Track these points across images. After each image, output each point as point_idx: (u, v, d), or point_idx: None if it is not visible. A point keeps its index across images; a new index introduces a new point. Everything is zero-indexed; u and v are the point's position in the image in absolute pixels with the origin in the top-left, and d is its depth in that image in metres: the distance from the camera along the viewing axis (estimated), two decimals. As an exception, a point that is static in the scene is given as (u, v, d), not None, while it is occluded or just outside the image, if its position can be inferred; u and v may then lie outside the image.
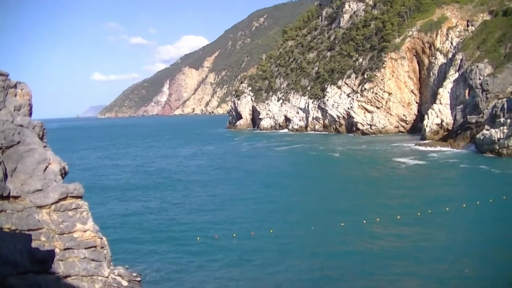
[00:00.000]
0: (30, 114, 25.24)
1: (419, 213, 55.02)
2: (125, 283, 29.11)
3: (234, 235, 49.79)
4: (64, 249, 21.97)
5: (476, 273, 37.13)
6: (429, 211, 55.40)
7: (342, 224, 51.90)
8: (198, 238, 49.25)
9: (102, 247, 24.00)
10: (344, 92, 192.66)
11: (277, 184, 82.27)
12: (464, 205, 57.80)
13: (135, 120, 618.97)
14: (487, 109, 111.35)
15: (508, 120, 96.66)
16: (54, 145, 23.81)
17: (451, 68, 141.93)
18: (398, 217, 54.18)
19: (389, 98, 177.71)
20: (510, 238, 44.73)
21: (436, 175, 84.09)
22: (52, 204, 22.08)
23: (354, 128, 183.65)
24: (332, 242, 46.76)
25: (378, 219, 53.29)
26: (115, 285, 27.57)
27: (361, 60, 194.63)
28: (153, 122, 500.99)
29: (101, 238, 24.49)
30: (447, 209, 56.69)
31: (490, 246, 43.07)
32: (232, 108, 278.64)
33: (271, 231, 50.61)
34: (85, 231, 23.15)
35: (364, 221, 52.65)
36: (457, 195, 66.40)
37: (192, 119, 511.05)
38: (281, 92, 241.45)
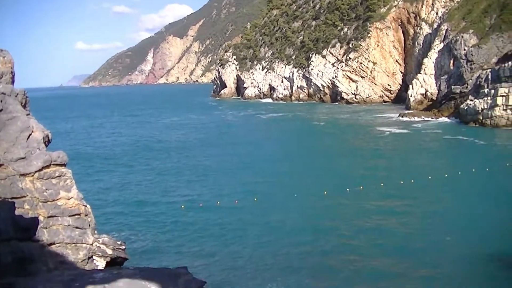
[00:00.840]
0: (13, 82, 24.83)
1: (401, 182, 55.51)
2: (109, 251, 29.19)
3: (218, 203, 49.90)
4: (48, 217, 21.89)
5: (457, 241, 37.68)
6: (412, 181, 55.86)
7: (325, 192, 52.25)
8: (183, 206, 49.28)
9: (86, 215, 23.94)
10: (329, 62, 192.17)
11: (261, 153, 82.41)
12: (446, 175, 58.35)
13: (119, 89, 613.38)
14: (472, 79, 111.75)
15: (492, 91, 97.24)
16: (38, 114, 23.46)
17: (436, 38, 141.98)
18: (381, 184, 54.65)
19: (374, 68, 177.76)
20: (491, 208, 45.33)
21: (419, 145, 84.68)
22: (36, 172, 21.91)
23: (339, 98, 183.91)
24: (315, 211, 47.19)
25: (361, 187, 53.70)
26: (100, 253, 27.59)
27: (346, 29, 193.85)
28: (137, 91, 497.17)
29: (85, 206, 24.43)
30: (430, 178, 57.25)
31: (472, 215, 43.67)
32: (216, 77, 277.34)
33: (255, 199, 50.89)
34: (69, 199, 23.05)
35: (347, 190, 53.01)
36: (439, 165, 66.97)
37: (176, 88, 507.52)
38: (266, 61, 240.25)
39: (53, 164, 22.84)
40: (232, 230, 42.27)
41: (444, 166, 66.26)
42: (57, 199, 22.66)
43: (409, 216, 43.69)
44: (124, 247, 32.60)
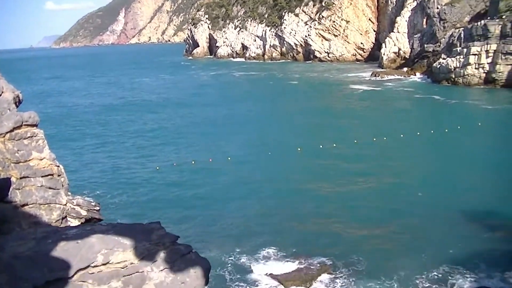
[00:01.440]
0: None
1: (374, 139, 56.11)
2: (84, 212, 29.16)
3: (193, 162, 49.97)
4: (20, 178, 21.63)
5: (429, 197, 38.48)
6: (385, 138, 56.51)
7: (299, 149, 52.66)
8: (157, 167, 49.20)
9: (59, 175, 23.73)
10: (302, 20, 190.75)
11: (235, 113, 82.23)
12: (419, 133, 59.07)
13: (90, 50, 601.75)
14: (444, 38, 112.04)
15: (465, 50, 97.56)
16: (7, 76, 23.02)
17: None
18: (355, 141, 55.21)
19: (347, 26, 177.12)
20: (462, 165, 46.24)
21: (392, 103, 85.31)
22: (7, 133, 21.53)
23: (312, 56, 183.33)
24: (289, 168, 47.67)
25: (334, 145, 54.18)
26: (74, 215, 27.55)
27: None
28: (109, 51, 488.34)
29: (58, 166, 24.17)
30: (402, 136, 57.91)
31: (443, 172, 44.51)
32: (188, 36, 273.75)
33: (229, 158, 51.11)
34: (41, 159, 22.77)
35: (321, 146, 53.48)
36: (412, 124, 67.70)
37: (148, 48, 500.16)
38: (238, 20, 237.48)
39: (25, 125, 22.44)
40: (206, 189, 42.51)
41: (416, 124, 67.00)
42: (29, 160, 22.36)
43: (382, 173, 44.32)
44: (98, 208, 32.55)
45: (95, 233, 9.41)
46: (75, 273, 8.68)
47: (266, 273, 28.17)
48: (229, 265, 29.15)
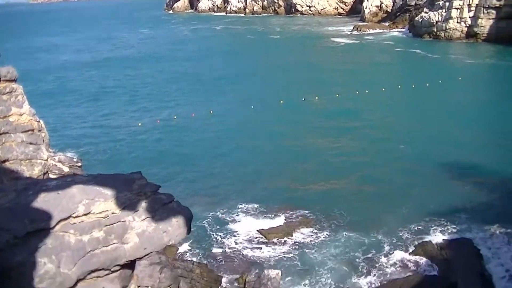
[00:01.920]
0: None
1: (357, 92, 56.18)
2: (66, 169, 28.93)
3: (175, 117, 49.77)
4: (0, 134, 21.39)
5: (410, 150, 38.99)
6: (366, 91, 56.56)
7: (281, 102, 52.67)
8: (140, 124, 48.90)
9: (39, 130, 23.46)
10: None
11: (216, 67, 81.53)
12: (400, 87, 59.25)
13: (70, 5, 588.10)
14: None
15: (447, 3, 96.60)
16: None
17: None
18: (337, 95, 55.24)
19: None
20: (442, 119, 46.60)
21: (373, 57, 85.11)
22: (-16, 87, 21.15)
23: (293, 10, 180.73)
24: (271, 120, 47.92)
25: (316, 98, 54.25)
26: (56, 171, 27.37)
27: None
28: (89, 6, 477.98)
29: (38, 121, 23.88)
30: (383, 89, 58.06)
31: (424, 125, 44.92)
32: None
33: (211, 112, 50.98)
34: (21, 115, 22.45)
35: (303, 99, 53.51)
36: (393, 77, 67.84)
37: (128, 3, 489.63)
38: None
39: (3, 80, 22.04)
40: (189, 144, 42.57)
41: (397, 78, 67.14)
42: (9, 116, 22.03)
43: (363, 127, 44.55)
44: (80, 164, 32.30)
45: (76, 183, 9.38)
46: (57, 223, 8.69)
47: (248, 226, 28.71)
48: (210, 218, 29.57)
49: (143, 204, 9.52)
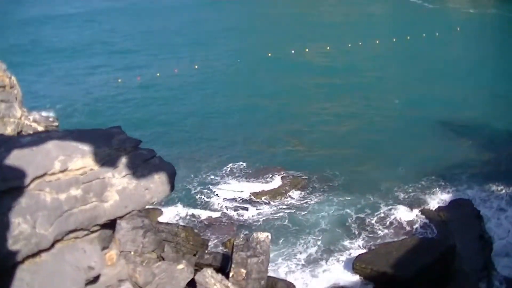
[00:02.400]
0: None
1: (349, 45, 55.76)
2: (41, 129, 28.62)
3: (158, 74, 49.20)
4: (-32, 90, 21.12)
5: (405, 106, 39.04)
6: (360, 43, 56.13)
7: (269, 55, 52.36)
8: (120, 80, 48.22)
9: (11, 87, 23.14)
10: None
11: (201, 20, 79.85)
12: (395, 39, 58.74)
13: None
14: None
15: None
16: None
17: None
18: (328, 48, 54.85)
19: None
20: (438, 72, 46.52)
21: (367, 7, 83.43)
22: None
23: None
24: (259, 75, 47.65)
25: (306, 50, 53.90)
26: (31, 132, 27.11)
27: None
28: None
29: (10, 78, 23.53)
30: (377, 42, 57.61)
31: (420, 79, 44.79)
32: None
33: (196, 67, 50.62)
34: (-10, 70, 22.17)
35: (293, 51, 53.17)
36: (388, 29, 67.09)
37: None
38: None
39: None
40: (172, 99, 42.44)
41: (392, 30, 66.29)
42: (-24, 70, 21.78)
43: (356, 82, 44.29)
44: (57, 124, 31.90)
45: (52, 139, 9.22)
46: (31, 181, 8.54)
47: (236, 188, 28.84)
48: (196, 179, 29.68)
49: (123, 160, 9.40)
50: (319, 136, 34.88)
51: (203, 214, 26.60)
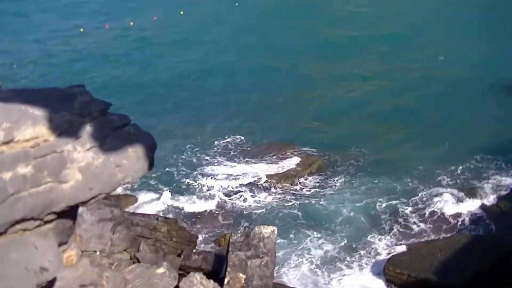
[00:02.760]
0: None
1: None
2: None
3: (132, 23, 49.04)
4: None
5: (451, 58, 38.73)
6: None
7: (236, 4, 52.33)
8: (82, 29, 48.21)
9: None
10: None
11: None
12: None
13: None
14: None
15: None
16: None
17: None
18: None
19: None
20: (497, 20, 46.24)
21: None
22: None
23: None
24: (268, 24, 47.42)
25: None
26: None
27: None
28: None
29: None
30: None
31: (475, 26, 44.44)
32: None
33: (181, 12, 50.71)
34: None
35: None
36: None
37: None
38: None
39: None
40: (151, 52, 42.92)
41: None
42: None
43: (389, 32, 44.13)
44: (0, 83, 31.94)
45: (-7, 101, 9.03)
46: (-36, 156, 8.39)
47: (232, 169, 28.66)
48: (182, 158, 29.60)
49: (88, 129, 9.17)
50: (341, 104, 34.79)
51: (191, 202, 26.55)
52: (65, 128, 8.95)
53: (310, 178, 27.70)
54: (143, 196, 26.49)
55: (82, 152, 8.95)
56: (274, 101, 35.02)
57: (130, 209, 25.22)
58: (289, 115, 33.46)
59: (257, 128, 32.08)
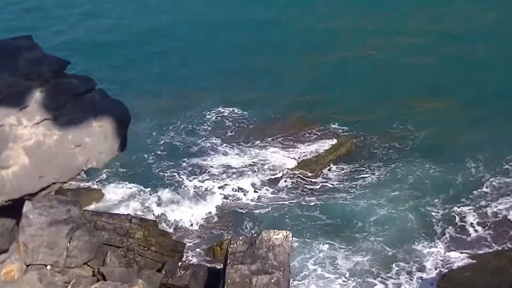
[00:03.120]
0: None
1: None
2: None
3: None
4: None
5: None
6: None
7: None
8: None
9: None
10: None
11: None
12: None
13: None
14: None
15: None
16: None
17: None
18: None
19: None
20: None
21: None
22: None
23: None
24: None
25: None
26: None
27: None
28: None
29: None
30: None
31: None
32: None
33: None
34: None
35: None
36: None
37: None
38: None
39: None
40: (129, 10, 42.60)
41: None
42: None
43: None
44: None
45: None
46: None
47: (230, 158, 28.53)
48: (165, 141, 29.54)
49: (38, 96, 9.08)
50: (377, 66, 34.90)
51: (176, 198, 26.46)
52: (6, 95, 8.87)
53: (336, 166, 27.68)
54: (112, 190, 26.30)
55: (29, 127, 8.85)
56: (284, 63, 35.23)
57: (94, 207, 25.04)
58: (304, 81, 33.50)
59: (262, 99, 32.23)
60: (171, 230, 24.65)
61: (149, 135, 29.03)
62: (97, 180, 25.56)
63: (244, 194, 26.44)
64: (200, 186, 26.90)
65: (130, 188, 26.56)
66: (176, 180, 27.24)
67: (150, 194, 26.51)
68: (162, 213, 25.73)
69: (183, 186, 26.99)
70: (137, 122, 28.02)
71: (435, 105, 31.03)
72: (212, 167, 27.73)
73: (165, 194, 26.66)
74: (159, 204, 26.18)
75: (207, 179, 27.21)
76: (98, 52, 36.54)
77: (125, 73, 34.39)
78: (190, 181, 27.14)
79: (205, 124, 30.13)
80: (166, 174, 27.49)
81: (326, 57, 35.23)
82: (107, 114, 9.55)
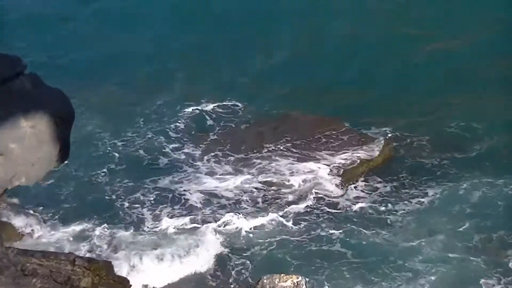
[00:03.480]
0: None
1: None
2: None
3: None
4: None
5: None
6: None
7: None
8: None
9: None
10: None
11: None
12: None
13: None
14: None
15: None
16: None
17: None
18: None
19: None
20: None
21: None
22: None
23: None
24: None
25: None
26: None
27: None
28: None
29: None
30: None
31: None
32: None
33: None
34: None
35: None
36: None
37: None
38: None
39: None
40: None
41: None
42: None
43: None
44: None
45: None
46: None
47: (225, 156, 28.26)
48: (128, 140, 29.01)
49: None
50: (432, 50, 35.21)
51: (141, 229, 25.82)
52: None
53: (367, 182, 27.20)
54: (47, 220, 25.54)
55: None
56: (291, 43, 35.48)
57: (22, 244, 24.23)
58: (319, 64, 33.21)
59: (259, 88, 32.53)
60: (131, 275, 23.68)
61: (100, 140, 28.40)
62: (26, 206, 24.52)
63: (238, 223, 25.88)
64: (177, 211, 26.50)
65: (74, 217, 25.71)
66: (137, 211, 26.51)
67: (104, 224, 25.72)
68: (120, 250, 24.90)
69: (151, 211, 26.40)
70: (83, 120, 27.73)
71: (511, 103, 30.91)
72: (188, 192, 26.99)
73: (126, 221, 26.12)
74: (116, 236, 25.45)
75: (188, 200, 26.71)
76: (30, 25, 36.55)
77: (67, 52, 34.22)
78: (159, 213, 26.41)
79: (178, 124, 29.57)
80: (124, 202, 26.74)
81: (353, 38, 35.93)
82: (41, 108, 8.51)
